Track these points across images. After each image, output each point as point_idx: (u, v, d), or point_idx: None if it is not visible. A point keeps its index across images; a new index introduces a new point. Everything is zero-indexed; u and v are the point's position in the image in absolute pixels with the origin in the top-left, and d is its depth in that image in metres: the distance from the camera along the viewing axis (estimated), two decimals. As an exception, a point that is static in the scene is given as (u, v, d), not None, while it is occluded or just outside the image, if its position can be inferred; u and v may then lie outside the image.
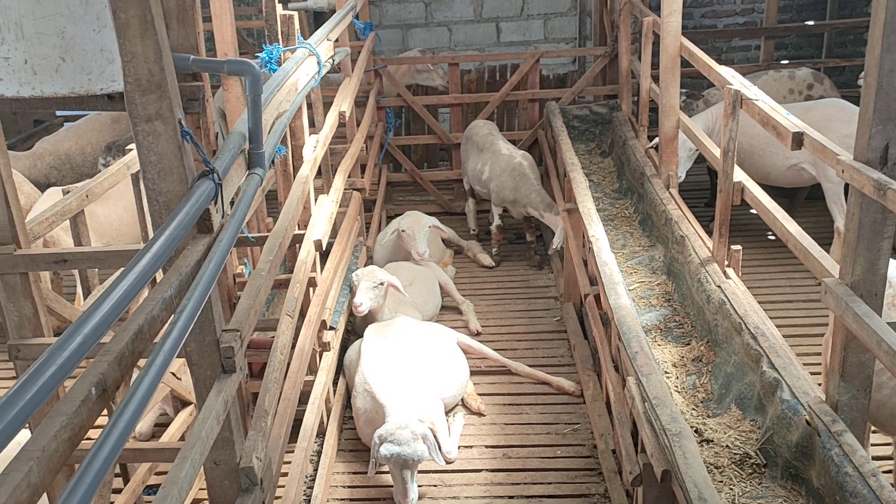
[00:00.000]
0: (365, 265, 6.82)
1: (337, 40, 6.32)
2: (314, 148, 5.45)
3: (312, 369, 5.29)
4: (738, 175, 4.88)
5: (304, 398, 4.87)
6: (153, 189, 2.73)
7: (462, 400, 5.82)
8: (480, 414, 5.72)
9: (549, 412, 5.74)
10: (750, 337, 4.29)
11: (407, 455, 4.55)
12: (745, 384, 4.27)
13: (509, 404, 5.86)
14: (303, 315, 4.95)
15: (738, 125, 4.75)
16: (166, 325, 2.36)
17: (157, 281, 2.78)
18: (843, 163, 3.17)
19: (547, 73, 9.50)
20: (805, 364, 4.38)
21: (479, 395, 5.90)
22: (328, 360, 5.43)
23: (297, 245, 4.91)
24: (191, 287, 2.49)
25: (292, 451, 4.59)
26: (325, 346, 5.39)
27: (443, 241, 8.02)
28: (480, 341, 6.42)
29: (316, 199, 5.62)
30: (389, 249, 7.27)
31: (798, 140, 3.98)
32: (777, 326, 4.63)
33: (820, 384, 4.34)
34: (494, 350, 6.32)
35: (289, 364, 4.30)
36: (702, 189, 8.52)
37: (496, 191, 7.78)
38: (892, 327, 3.03)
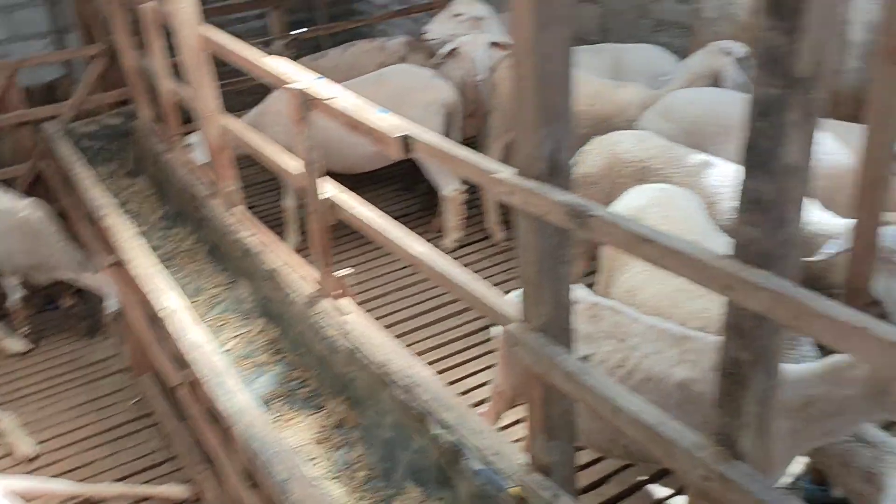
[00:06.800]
0: None
1: None
2: None
3: None
4: (327, 189, 3.93)
5: None
6: None
7: (38, 574, 4.13)
8: (70, 584, 4.11)
9: (165, 540, 4.35)
10: (401, 391, 3.45)
11: None
12: (415, 452, 3.44)
13: (108, 550, 4.32)
14: None
15: (314, 130, 3.78)
16: None
17: None
18: (510, 184, 2.37)
19: (29, 82, 7.46)
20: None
21: (61, 553, 4.26)
22: None
23: None
24: None
25: None
26: None
27: (-58, 338, 5.83)
28: (42, 466, 4.70)
29: None
30: None
31: (405, 146, 3.15)
32: (406, 345, 3.94)
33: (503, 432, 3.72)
34: (63, 476, 4.67)
35: None
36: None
37: (6, 258, 5.80)
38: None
